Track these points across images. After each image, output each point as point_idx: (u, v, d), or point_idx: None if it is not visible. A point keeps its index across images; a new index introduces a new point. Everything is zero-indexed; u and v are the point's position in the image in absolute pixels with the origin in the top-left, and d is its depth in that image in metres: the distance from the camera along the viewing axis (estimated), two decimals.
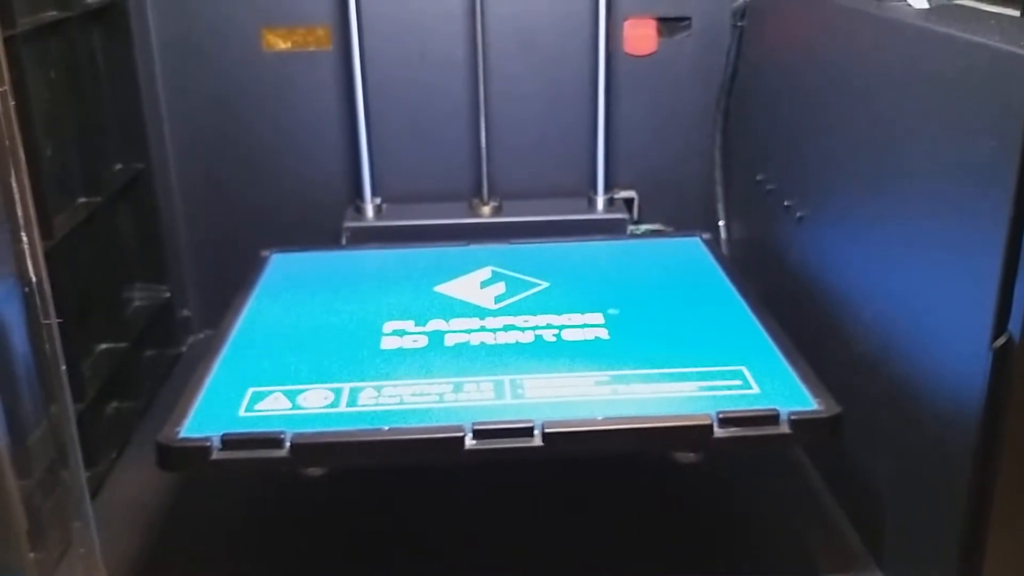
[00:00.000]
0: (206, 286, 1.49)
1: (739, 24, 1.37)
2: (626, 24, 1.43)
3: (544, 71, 1.44)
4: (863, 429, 0.96)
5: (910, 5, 0.96)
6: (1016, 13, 0.88)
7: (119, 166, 1.36)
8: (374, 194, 1.43)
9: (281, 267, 1.25)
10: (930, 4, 0.95)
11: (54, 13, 1.16)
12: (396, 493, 1.10)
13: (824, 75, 1.09)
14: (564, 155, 1.47)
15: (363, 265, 1.27)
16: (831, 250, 1.08)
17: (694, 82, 1.45)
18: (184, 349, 1.49)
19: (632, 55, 1.45)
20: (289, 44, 1.42)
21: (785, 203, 1.19)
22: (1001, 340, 0.73)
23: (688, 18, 1.44)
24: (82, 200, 1.22)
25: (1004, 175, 0.71)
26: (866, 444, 0.98)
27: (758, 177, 1.30)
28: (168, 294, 1.44)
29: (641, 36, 1.44)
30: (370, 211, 1.42)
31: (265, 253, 1.28)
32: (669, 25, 1.45)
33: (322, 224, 1.44)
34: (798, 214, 1.15)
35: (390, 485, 1.10)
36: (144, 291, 1.42)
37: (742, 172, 1.39)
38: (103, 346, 1.26)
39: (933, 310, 0.84)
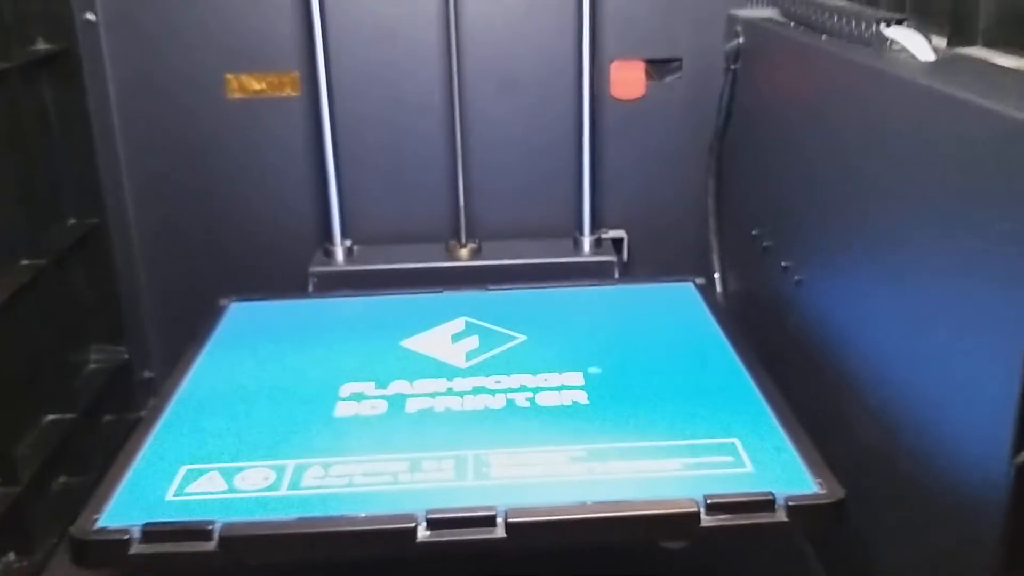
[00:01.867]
0: (169, 344, 1.39)
1: (732, 67, 1.27)
2: (612, 66, 1.34)
3: (526, 115, 1.36)
4: (869, 517, 0.85)
5: (914, 57, 0.86)
6: None
7: (72, 221, 1.29)
8: (344, 236, 1.33)
9: (238, 318, 1.16)
10: (936, 55, 0.85)
11: None
12: None
13: (820, 128, 0.99)
14: (548, 194, 1.38)
15: (326, 316, 1.17)
16: (832, 320, 0.97)
17: (685, 127, 1.36)
18: (144, 413, 1.39)
19: (619, 99, 1.35)
20: (255, 90, 1.33)
21: (783, 264, 1.09)
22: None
23: (679, 59, 1.35)
24: (24, 262, 1.14)
25: (1020, 267, 0.61)
26: (872, 533, 0.87)
27: (753, 232, 1.20)
28: (127, 355, 1.36)
29: (629, 79, 1.35)
30: (340, 254, 1.33)
31: (223, 302, 1.19)
32: (658, 67, 1.36)
33: (292, 272, 1.34)
34: (796, 277, 1.06)
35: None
36: (101, 353, 1.34)
37: (737, 224, 1.29)
38: (50, 417, 1.18)
39: (947, 401, 0.74)
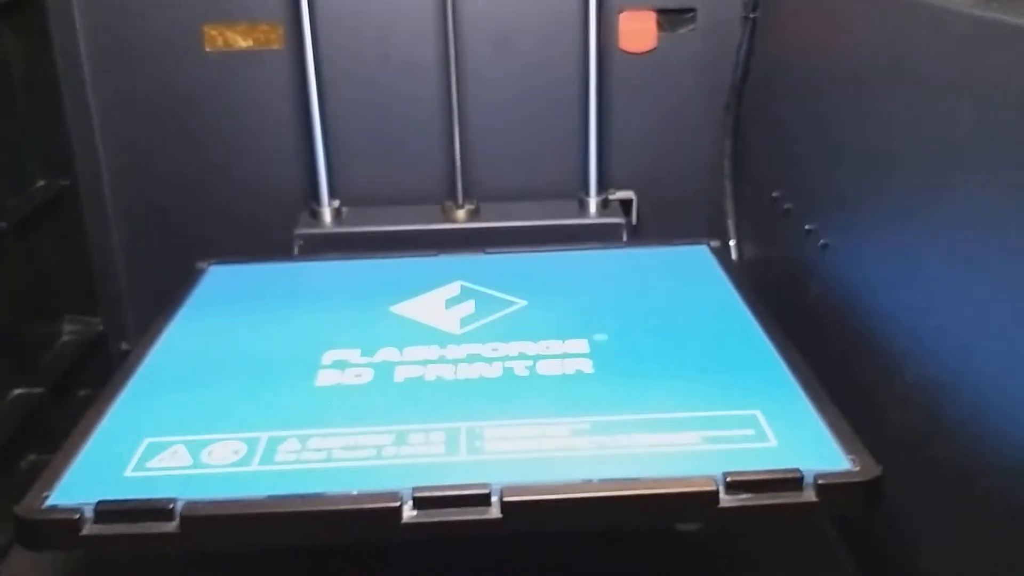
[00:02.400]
0: (147, 315, 1.29)
1: (751, 16, 1.19)
2: (621, 17, 1.25)
3: (527, 69, 1.27)
4: (902, 502, 0.77)
5: None
6: None
7: (40, 183, 1.20)
8: (332, 196, 1.24)
9: (216, 281, 1.08)
10: None
11: None
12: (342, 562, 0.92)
13: (850, 78, 0.91)
14: (551, 153, 1.29)
15: (311, 279, 1.09)
16: (864, 287, 0.89)
17: (700, 82, 1.27)
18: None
19: (628, 52, 1.26)
20: (235, 43, 1.24)
21: (806, 227, 1.01)
22: None
23: (692, 9, 1.26)
24: None
25: None
26: (906, 520, 0.79)
27: (774, 194, 1.12)
28: (101, 327, 1.28)
29: (639, 30, 1.26)
30: (327, 216, 1.24)
31: (201, 265, 1.10)
32: (670, 18, 1.26)
33: (277, 236, 1.26)
34: (821, 241, 0.98)
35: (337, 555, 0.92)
36: (74, 324, 1.26)
37: (755, 186, 1.21)
38: (16, 391, 1.11)
39: (1003, 377, 0.65)
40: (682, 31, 1.27)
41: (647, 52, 1.27)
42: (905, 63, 0.81)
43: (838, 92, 0.96)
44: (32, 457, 1.11)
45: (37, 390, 1.12)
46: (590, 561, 0.87)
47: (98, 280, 1.28)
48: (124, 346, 1.32)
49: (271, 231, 1.26)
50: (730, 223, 1.27)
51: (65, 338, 1.25)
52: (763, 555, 0.90)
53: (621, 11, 1.26)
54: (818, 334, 0.96)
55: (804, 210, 1.05)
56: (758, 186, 1.19)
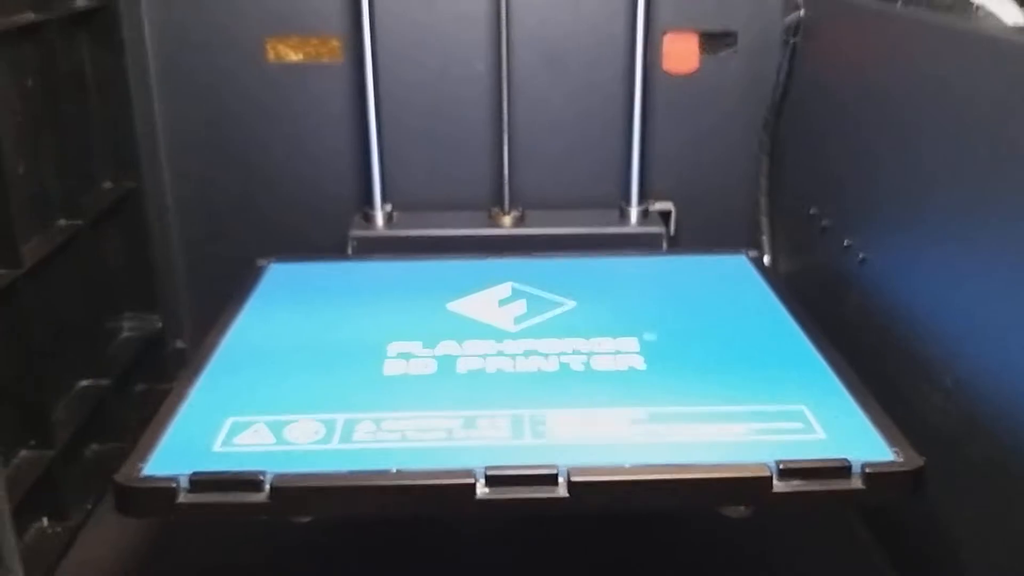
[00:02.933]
0: (203, 314, 1.33)
1: (792, 40, 1.23)
2: (666, 39, 1.31)
3: (574, 85, 1.32)
4: (939, 505, 0.81)
5: (1002, 20, 0.82)
6: None
7: (108, 185, 1.26)
8: (384, 201, 1.30)
9: (278, 278, 1.13)
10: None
11: (30, 15, 1.05)
12: (400, 545, 0.97)
13: (893, 99, 0.95)
14: (594, 166, 1.34)
15: (368, 278, 1.14)
16: (902, 298, 0.93)
17: (740, 103, 1.32)
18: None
19: (671, 72, 1.32)
20: (297, 56, 1.30)
21: (844, 242, 1.06)
22: None
23: (734, 33, 1.31)
24: (61, 223, 1.11)
25: None
26: (942, 522, 0.83)
27: (811, 211, 1.16)
28: (160, 324, 1.33)
29: (682, 52, 1.31)
30: (379, 219, 1.29)
31: (261, 262, 1.16)
32: (713, 41, 1.32)
33: (331, 239, 1.31)
34: (860, 255, 1.02)
35: (394, 536, 0.97)
36: (134, 320, 1.31)
37: (792, 203, 1.25)
38: (83, 383, 1.16)
39: None
40: (723, 54, 1.32)
41: (690, 73, 1.32)
42: (942, 86, 0.85)
43: (876, 113, 1.00)
44: (95, 446, 1.16)
45: (103, 382, 1.16)
46: (639, 545, 0.92)
47: (158, 279, 1.33)
48: (179, 344, 1.37)
49: (325, 234, 1.31)
50: (765, 238, 1.32)
51: (126, 334, 1.30)
52: (801, 556, 0.95)
53: (665, 33, 1.31)
54: (857, 344, 0.99)
55: (842, 226, 1.09)
56: (796, 202, 1.24)
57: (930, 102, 0.88)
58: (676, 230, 1.34)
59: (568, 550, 0.94)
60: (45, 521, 1.04)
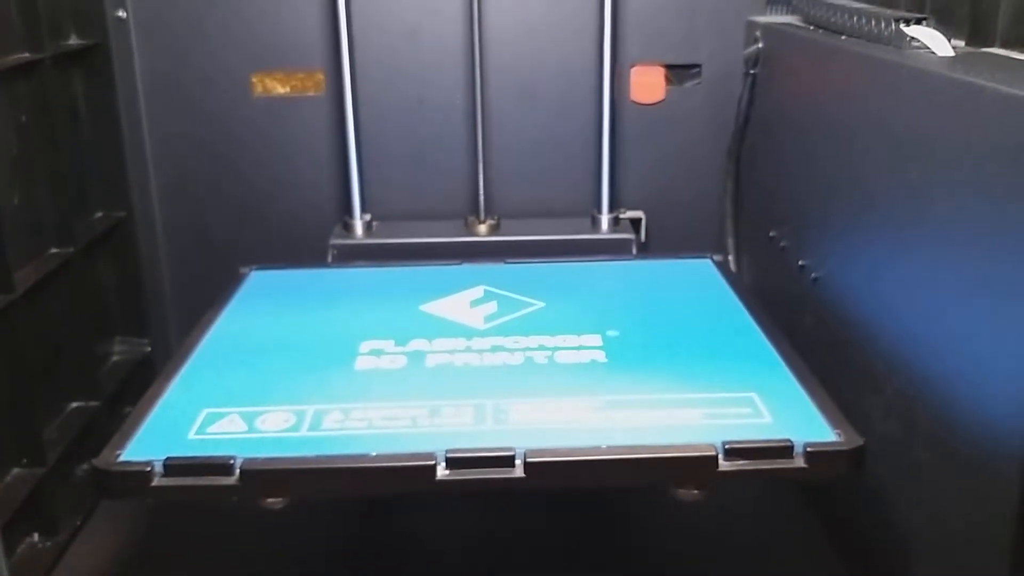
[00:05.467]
0: None
1: (751, 71, 1.28)
2: (633, 71, 1.36)
3: (546, 116, 1.38)
4: (882, 502, 0.85)
5: (934, 53, 0.86)
6: None
7: (99, 213, 1.30)
8: (364, 211, 1.34)
9: (259, 284, 1.17)
10: (955, 52, 0.86)
11: (26, 55, 1.10)
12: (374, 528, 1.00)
13: (837, 127, 1.00)
14: (566, 200, 1.40)
15: (345, 283, 1.18)
16: (849, 316, 0.97)
17: (705, 129, 1.38)
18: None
19: (639, 103, 1.37)
20: (283, 88, 1.36)
21: (799, 262, 1.10)
22: None
23: (698, 65, 1.36)
24: (53, 250, 1.15)
25: None
26: (886, 516, 0.88)
27: (771, 233, 1.20)
28: (149, 348, 1.36)
29: (649, 84, 1.37)
30: (359, 228, 1.34)
31: (244, 270, 1.20)
32: (678, 72, 1.37)
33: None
34: (813, 275, 1.06)
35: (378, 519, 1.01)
36: (124, 344, 1.35)
37: (754, 225, 1.30)
38: (74, 404, 1.19)
39: (966, 382, 0.74)
40: (688, 84, 1.38)
41: (656, 103, 1.38)
42: (879, 114, 0.90)
43: (826, 141, 1.04)
44: (85, 466, 1.18)
45: (94, 403, 1.19)
46: (597, 528, 0.95)
47: (147, 304, 1.37)
48: None
49: (311, 256, 1.34)
50: (730, 259, 1.36)
51: (116, 357, 1.34)
52: (751, 537, 0.98)
53: (633, 66, 1.36)
54: (812, 358, 1.00)
55: (797, 247, 1.13)
56: (757, 224, 1.28)
57: (869, 130, 0.92)
58: (647, 237, 1.39)
59: (530, 537, 0.97)
60: (36, 536, 1.07)
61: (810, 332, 1.04)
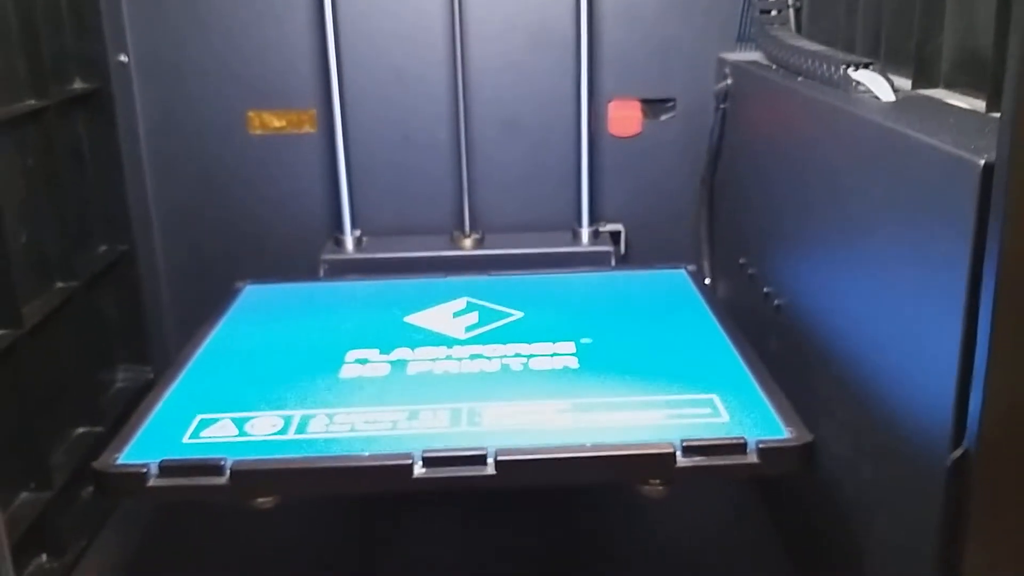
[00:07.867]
0: None
1: (722, 106, 1.33)
2: (610, 106, 1.42)
3: (527, 150, 1.44)
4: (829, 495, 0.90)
5: (876, 97, 0.92)
6: (982, 106, 0.83)
7: (102, 248, 1.35)
8: (354, 227, 1.40)
9: (252, 298, 1.22)
10: (897, 96, 0.91)
11: (32, 101, 1.15)
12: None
13: (794, 163, 1.05)
14: (549, 195, 1.45)
15: (335, 296, 1.23)
16: (806, 341, 1.01)
17: (681, 160, 1.43)
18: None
19: (617, 135, 1.43)
20: (279, 123, 1.42)
21: (764, 289, 1.14)
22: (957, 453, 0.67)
23: (673, 100, 1.42)
24: (59, 285, 1.20)
25: (955, 287, 0.66)
26: (836, 508, 0.93)
27: (740, 260, 1.26)
28: (151, 375, 1.41)
29: (626, 117, 1.43)
30: (349, 243, 1.40)
31: (238, 285, 1.25)
32: (654, 106, 1.43)
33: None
34: (776, 302, 1.10)
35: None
36: (127, 372, 1.40)
37: (726, 253, 1.35)
38: (79, 430, 1.23)
39: (900, 402, 0.79)
40: (664, 118, 1.44)
41: (633, 136, 1.44)
42: (825, 152, 0.95)
43: (781, 176, 1.10)
44: (91, 489, 1.22)
45: (98, 429, 1.24)
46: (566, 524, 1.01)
47: (150, 333, 1.42)
48: None
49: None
50: (707, 281, 1.41)
51: (119, 384, 1.39)
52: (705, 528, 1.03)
53: (610, 100, 1.42)
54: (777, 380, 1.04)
55: (762, 275, 1.18)
56: (728, 252, 1.33)
57: (816, 167, 0.97)
58: (626, 249, 1.44)
59: (503, 538, 1.03)
60: (44, 557, 1.12)
61: (774, 357, 1.07)
